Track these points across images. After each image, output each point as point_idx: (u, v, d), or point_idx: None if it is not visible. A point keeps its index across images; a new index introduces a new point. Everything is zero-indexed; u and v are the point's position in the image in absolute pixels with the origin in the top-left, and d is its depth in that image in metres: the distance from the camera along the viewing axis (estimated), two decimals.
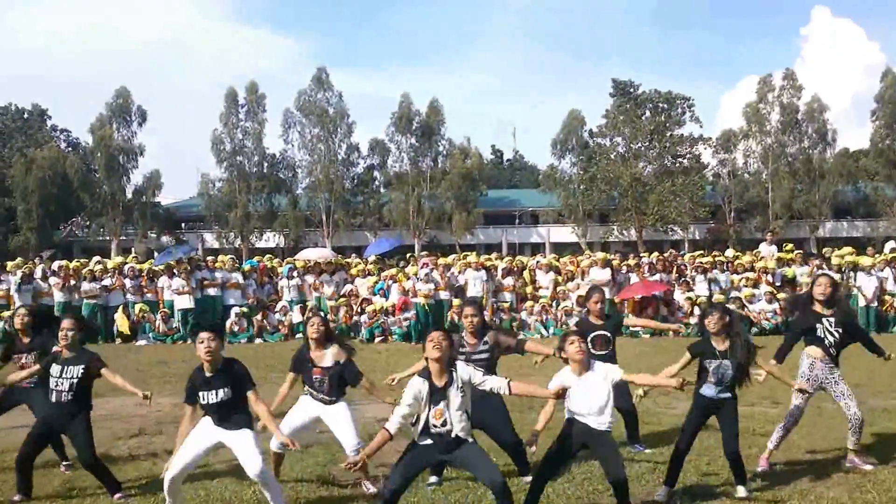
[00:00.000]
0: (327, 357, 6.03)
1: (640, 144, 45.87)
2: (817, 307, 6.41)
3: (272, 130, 54.57)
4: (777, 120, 46.27)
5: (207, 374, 5.23)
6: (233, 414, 5.24)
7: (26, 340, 6.70)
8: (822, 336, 6.32)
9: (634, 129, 45.33)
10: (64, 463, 6.69)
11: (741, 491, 5.64)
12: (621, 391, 6.03)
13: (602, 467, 5.22)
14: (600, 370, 5.14)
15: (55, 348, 6.07)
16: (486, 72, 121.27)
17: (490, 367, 5.94)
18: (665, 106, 45.98)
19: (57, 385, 5.84)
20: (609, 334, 6.91)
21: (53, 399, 5.87)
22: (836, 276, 17.80)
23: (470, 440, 4.89)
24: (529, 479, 5.96)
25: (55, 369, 5.88)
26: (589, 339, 6.49)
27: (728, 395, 5.66)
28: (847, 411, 6.29)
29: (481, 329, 6.09)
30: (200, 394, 5.21)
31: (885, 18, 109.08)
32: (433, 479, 5.99)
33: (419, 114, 47.69)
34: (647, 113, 46.17)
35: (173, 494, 5.23)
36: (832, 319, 6.33)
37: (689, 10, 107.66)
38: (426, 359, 4.86)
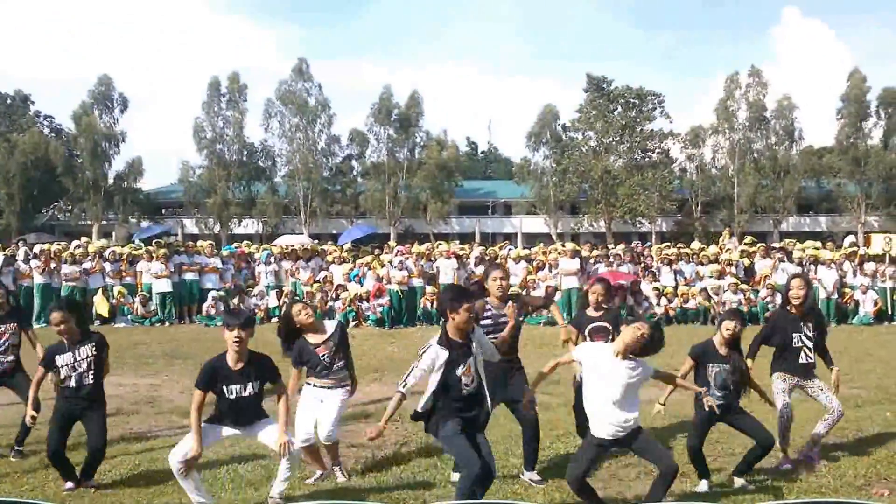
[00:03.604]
0: (319, 334, 5.98)
1: (611, 139, 46.54)
2: (794, 312, 6.26)
3: (253, 120, 54.71)
4: (745, 117, 47.23)
5: (233, 366, 5.00)
6: (252, 411, 5.10)
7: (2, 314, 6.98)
8: (800, 345, 6.21)
9: (606, 124, 45.97)
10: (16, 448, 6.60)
11: (737, 481, 5.71)
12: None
13: (648, 460, 5.07)
14: (636, 362, 4.91)
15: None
16: (462, 64, 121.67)
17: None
18: (636, 101, 46.63)
19: (76, 369, 5.70)
20: (609, 326, 6.56)
21: (73, 384, 5.69)
22: (797, 270, 18.63)
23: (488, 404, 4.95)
24: (532, 475, 5.91)
25: (66, 358, 5.72)
26: (586, 331, 6.58)
27: (730, 399, 5.63)
28: (830, 404, 6.18)
29: (506, 294, 6.06)
30: (225, 387, 4.95)
31: (854, 19, 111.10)
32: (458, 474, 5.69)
33: (399, 105, 48.05)
34: (619, 108, 46.81)
35: (187, 475, 4.95)
36: (810, 324, 6.23)
37: (664, 9, 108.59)
38: (449, 325, 4.86)
